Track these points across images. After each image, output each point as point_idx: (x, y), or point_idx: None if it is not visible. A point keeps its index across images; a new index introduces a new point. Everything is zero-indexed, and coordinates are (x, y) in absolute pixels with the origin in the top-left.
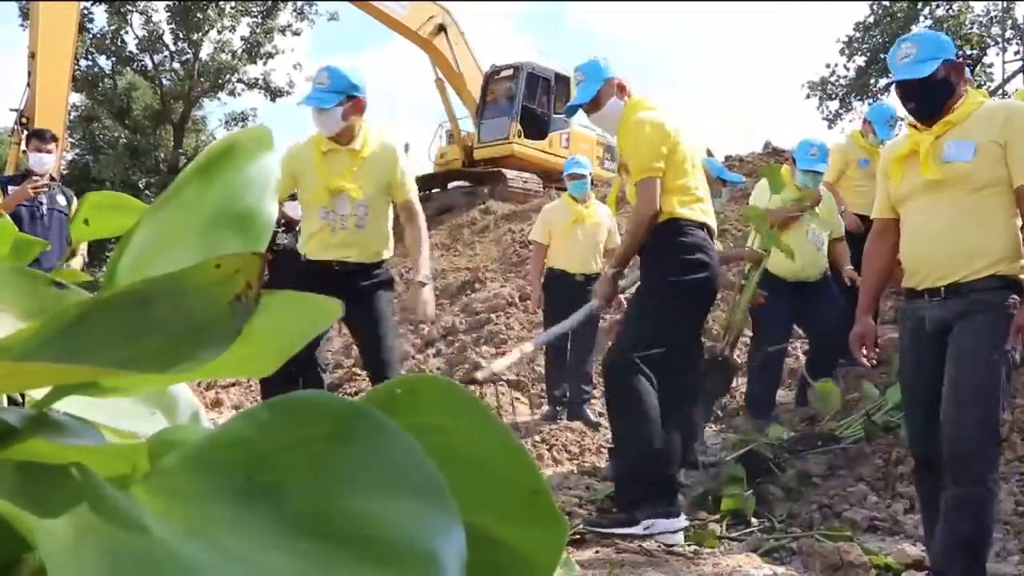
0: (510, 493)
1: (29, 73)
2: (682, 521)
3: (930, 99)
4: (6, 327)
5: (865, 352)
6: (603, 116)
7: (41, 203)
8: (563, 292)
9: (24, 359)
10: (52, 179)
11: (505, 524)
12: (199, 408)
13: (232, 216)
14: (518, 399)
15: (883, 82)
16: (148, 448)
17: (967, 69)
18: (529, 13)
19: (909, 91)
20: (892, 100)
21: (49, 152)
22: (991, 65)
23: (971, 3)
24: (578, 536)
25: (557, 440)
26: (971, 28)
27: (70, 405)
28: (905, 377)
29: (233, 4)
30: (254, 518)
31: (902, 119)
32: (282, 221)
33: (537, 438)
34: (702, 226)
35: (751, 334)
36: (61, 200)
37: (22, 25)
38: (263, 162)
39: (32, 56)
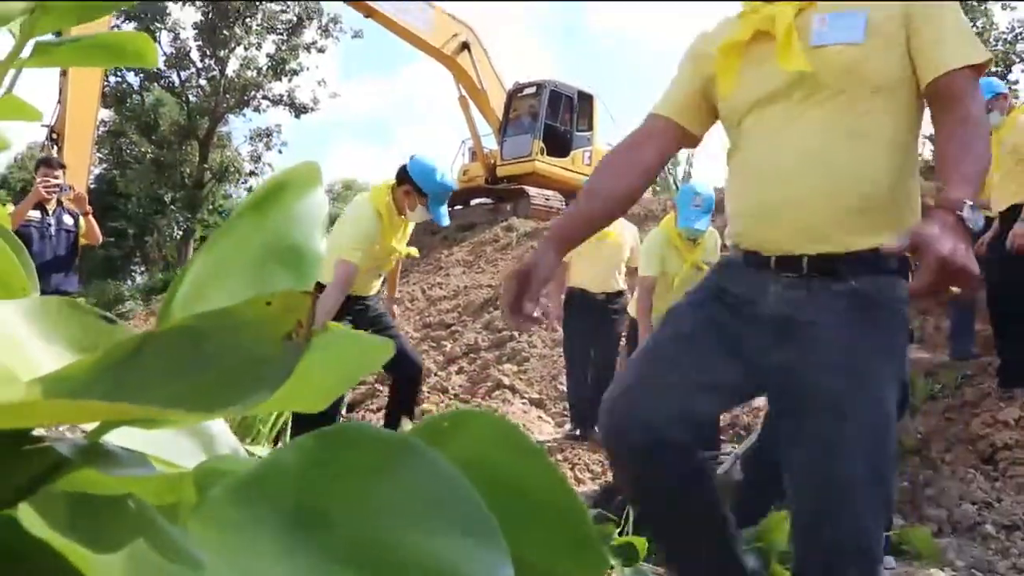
0: (552, 525)
1: (60, 90)
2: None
3: None
4: (60, 360)
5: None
6: None
7: (50, 224)
8: (584, 311)
9: (81, 394)
10: (59, 203)
11: (547, 556)
12: (237, 445)
13: (282, 252)
14: (541, 417)
15: None
16: (195, 478)
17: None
18: (554, 29)
19: None
20: None
21: (57, 178)
22: (1016, 82)
23: (996, 20)
24: None
25: (580, 459)
26: (996, 45)
27: (118, 435)
28: (674, 345)
29: (259, 21)
30: (301, 550)
31: None
32: None
33: (560, 457)
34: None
35: None
36: (68, 220)
37: None
38: (312, 198)
39: (63, 74)
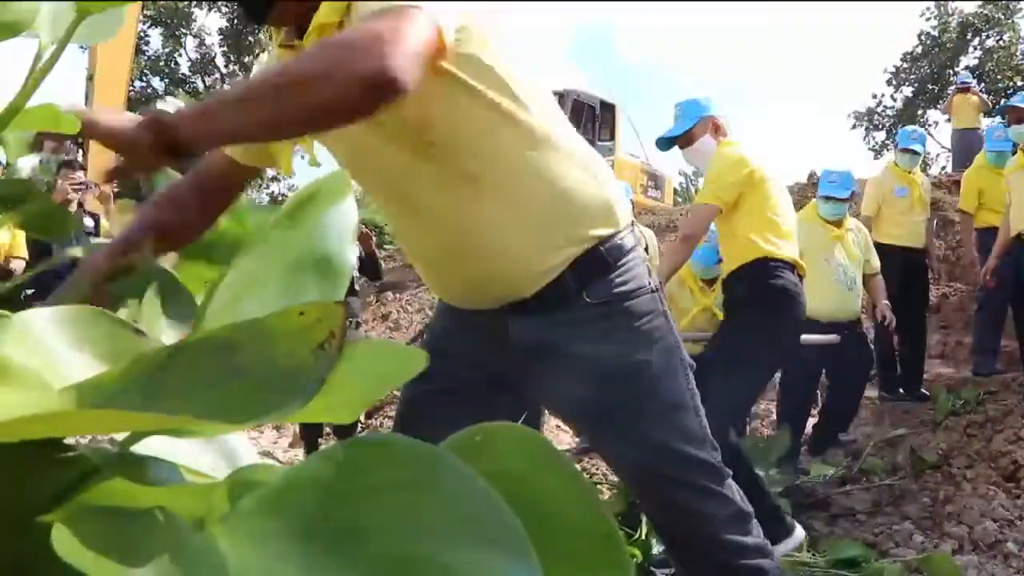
0: (581, 540)
1: (87, 95)
2: (799, 530)
3: None
4: (89, 369)
5: None
6: (694, 152)
7: None
8: None
9: (113, 404)
10: (80, 205)
11: (576, 571)
12: (258, 457)
13: (313, 261)
14: (559, 426)
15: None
16: (228, 488)
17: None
18: (580, 42)
19: None
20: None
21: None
22: None
23: (1022, 34)
24: None
25: (598, 469)
26: (1023, 60)
27: (145, 444)
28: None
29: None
30: (331, 563)
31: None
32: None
33: (577, 467)
34: (791, 266)
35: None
36: (89, 222)
37: (82, 47)
38: (343, 207)
39: (90, 78)
